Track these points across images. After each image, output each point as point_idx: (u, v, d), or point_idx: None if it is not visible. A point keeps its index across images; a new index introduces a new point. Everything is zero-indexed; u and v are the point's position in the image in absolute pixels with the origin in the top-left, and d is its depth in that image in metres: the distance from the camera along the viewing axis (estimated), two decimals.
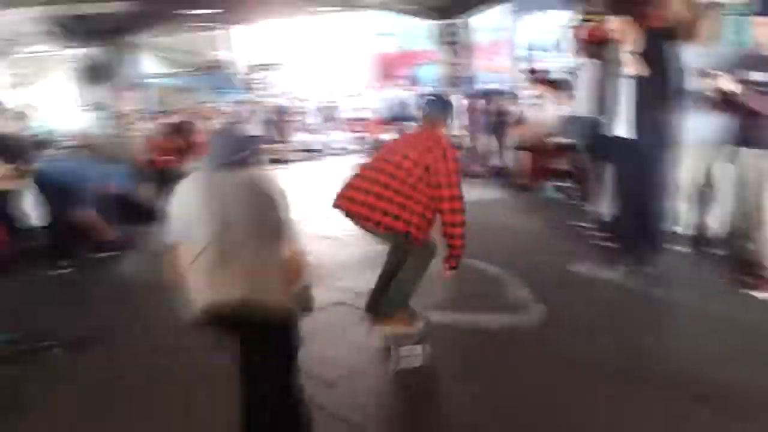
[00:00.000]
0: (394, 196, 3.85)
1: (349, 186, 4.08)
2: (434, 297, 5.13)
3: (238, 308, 2.85)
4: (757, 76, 4.38)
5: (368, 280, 5.57)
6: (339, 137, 18.28)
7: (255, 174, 3.18)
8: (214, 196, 3.03)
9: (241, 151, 3.23)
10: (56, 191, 6.74)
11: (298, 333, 3.12)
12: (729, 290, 4.72)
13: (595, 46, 5.64)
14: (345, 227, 7.46)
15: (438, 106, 4.25)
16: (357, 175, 4.09)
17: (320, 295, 5.28)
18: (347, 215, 4.08)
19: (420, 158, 3.84)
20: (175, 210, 3.08)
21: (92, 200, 6.77)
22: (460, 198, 3.85)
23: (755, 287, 4.63)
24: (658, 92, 4.77)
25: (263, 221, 3.05)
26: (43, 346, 4.55)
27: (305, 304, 3.35)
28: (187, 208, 3.04)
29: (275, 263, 3.01)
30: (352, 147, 17.92)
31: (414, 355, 4.08)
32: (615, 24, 4.97)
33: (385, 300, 4.19)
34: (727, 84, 4.41)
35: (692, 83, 4.88)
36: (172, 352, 4.57)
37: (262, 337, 2.96)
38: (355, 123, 18.68)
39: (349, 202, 4.02)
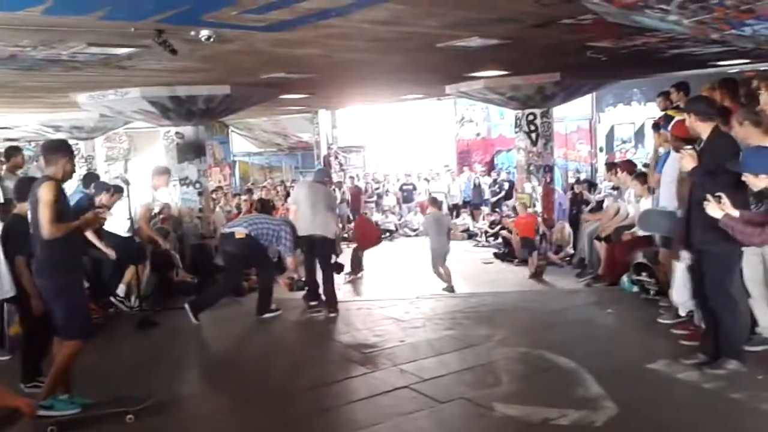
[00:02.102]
0: None
1: None
2: (504, 388, 5.03)
3: (315, 235, 7.70)
4: None
5: (433, 366, 5.56)
6: (413, 219, 18.44)
7: (325, 186, 8.40)
8: (310, 191, 7.99)
9: (324, 178, 8.69)
10: (262, 247, 7.71)
11: (337, 243, 9.25)
12: None
13: (683, 140, 5.63)
14: (410, 310, 7.56)
15: None
16: None
17: (384, 378, 5.32)
18: None
19: None
20: (294, 194, 8.49)
21: (292, 246, 7.87)
22: None
23: None
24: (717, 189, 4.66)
25: (327, 203, 7.95)
26: (116, 412, 4.67)
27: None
28: (299, 194, 8.13)
29: (330, 219, 8.00)
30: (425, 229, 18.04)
31: None
32: (692, 121, 4.98)
33: None
34: None
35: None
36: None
37: (321, 246, 7.83)
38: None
39: None
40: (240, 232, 7.56)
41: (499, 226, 14.96)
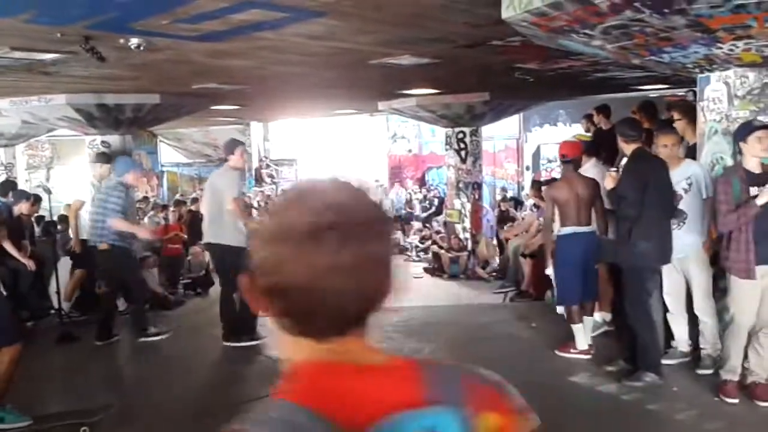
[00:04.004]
0: None
1: None
2: None
3: (212, 244, 6.45)
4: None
5: None
6: None
7: (227, 168, 6.59)
8: (208, 184, 6.77)
9: (229, 152, 6.57)
10: (127, 256, 7.08)
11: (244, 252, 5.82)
12: (723, 406, 4.66)
13: (567, 161, 5.95)
14: None
15: None
16: None
17: None
18: None
19: None
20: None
21: None
22: None
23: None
24: (632, 210, 4.94)
25: (220, 196, 6.29)
26: (71, 424, 4.52)
27: None
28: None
29: (226, 221, 6.24)
30: None
31: None
32: (619, 142, 5.23)
33: None
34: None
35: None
36: None
37: (219, 258, 6.48)
38: None
39: None
40: (102, 244, 6.79)
41: (429, 241, 15.14)
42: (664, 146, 5.27)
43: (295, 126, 22.27)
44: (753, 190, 4.48)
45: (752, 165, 4.56)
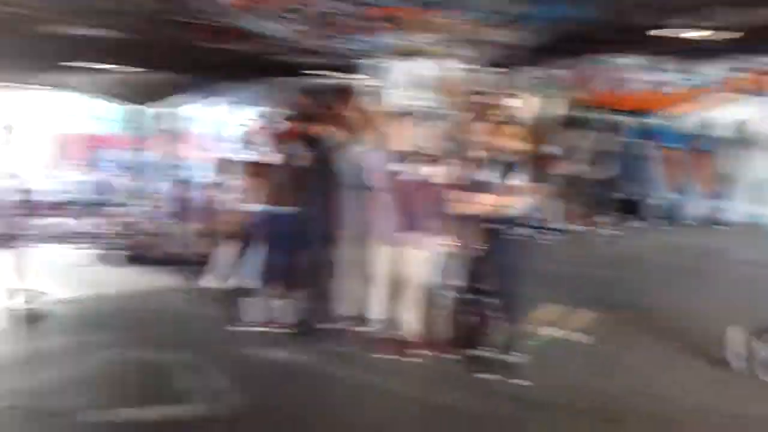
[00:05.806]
0: None
1: None
2: (111, 392, 4.91)
3: None
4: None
5: (43, 380, 5.06)
6: None
7: None
8: None
9: None
10: None
11: None
12: (381, 363, 5.31)
13: (285, 142, 6.20)
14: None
15: None
16: None
17: None
18: None
19: None
20: None
21: None
22: None
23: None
24: (322, 184, 5.49)
25: None
26: None
27: None
28: None
29: None
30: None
31: None
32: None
33: None
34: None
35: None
36: None
37: None
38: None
39: None
40: None
41: (104, 227, 14.34)
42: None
43: None
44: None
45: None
